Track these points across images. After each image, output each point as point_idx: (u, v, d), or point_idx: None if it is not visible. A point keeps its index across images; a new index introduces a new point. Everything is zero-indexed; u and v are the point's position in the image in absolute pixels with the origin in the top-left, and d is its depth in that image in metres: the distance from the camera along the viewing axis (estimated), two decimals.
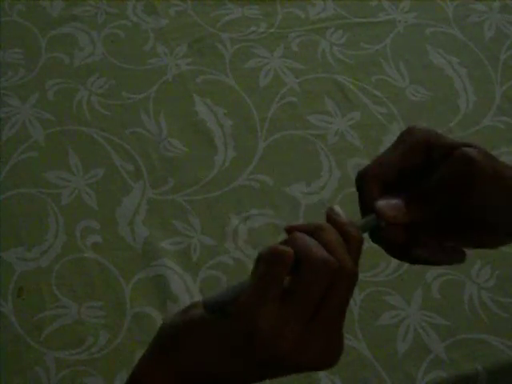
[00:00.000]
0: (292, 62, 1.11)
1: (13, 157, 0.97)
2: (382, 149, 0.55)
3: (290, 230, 0.48)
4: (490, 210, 0.52)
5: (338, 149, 1.01)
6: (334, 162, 0.99)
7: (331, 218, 0.48)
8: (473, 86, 1.10)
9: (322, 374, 0.82)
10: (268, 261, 0.45)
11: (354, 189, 0.56)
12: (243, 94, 1.06)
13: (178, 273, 0.87)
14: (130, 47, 1.11)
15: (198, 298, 0.85)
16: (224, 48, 1.12)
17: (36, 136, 0.99)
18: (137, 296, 0.86)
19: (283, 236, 0.48)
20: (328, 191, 0.96)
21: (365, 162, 0.95)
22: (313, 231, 0.47)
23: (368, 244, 0.91)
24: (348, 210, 0.98)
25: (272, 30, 1.15)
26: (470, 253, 0.93)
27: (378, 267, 0.90)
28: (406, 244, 0.53)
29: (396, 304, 0.87)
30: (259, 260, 0.46)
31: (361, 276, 0.90)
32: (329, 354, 0.47)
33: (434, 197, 0.52)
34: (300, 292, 0.45)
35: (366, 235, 0.51)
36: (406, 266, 0.91)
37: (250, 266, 0.47)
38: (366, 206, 0.54)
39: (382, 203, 0.52)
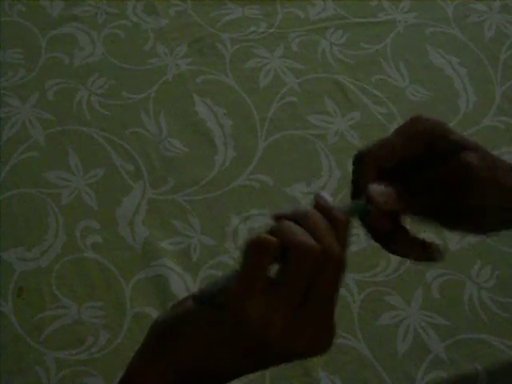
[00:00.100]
0: (292, 62, 1.11)
1: (13, 157, 0.97)
2: None
3: (276, 218, 0.48)
4: (488, 211, 0.52)
5: (338, 149, 1.01)
6: (333, 162, 0.99)
7: (318, 203, 0.48)
8: (473, 86, 1.10)
9: (321, 374, 0.82)
10: (253, 250, 0.46)
11: None
12: (243, 94, 1.06)
13: (178, 273, 0.87)
14: (130, 47, 1.11)
15: None
16: (224, 48, 1.12)
17: (36, 136, 0.99)
18: (137, 296, 0.86)
19: None
20: (328, 191, 0.96)
21: None
22: (299, 218, 0.47)
23: (368, 244, 0.92)
24: None
25: (272, 30, 1.15)
26: (470, 253, 0.93)
27: (377, 267, 0.90)
28: (391, 233, 0.53)
29: (396, 304, 0.87)
30: (245, 250, 0.46)
31: (361, 276, 0.91)
32: (320, 341, 0.47)
33: (427, 194, 0.52)
34: (287, 279, 0.45)
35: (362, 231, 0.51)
36: (406, 265, 0.91)
37: None
38: (358, 188, 0.54)
39: (374, 187, 0.52)
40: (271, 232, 0.46)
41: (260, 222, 0.93)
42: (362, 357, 0.83)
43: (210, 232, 0.91)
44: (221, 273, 0.88)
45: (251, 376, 0.81)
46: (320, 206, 0.48)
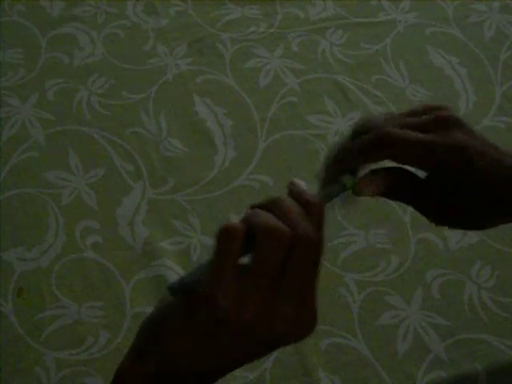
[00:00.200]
0: (292, 62, 1.11)
1: (13, 157, 0.97)
2: None
3: (250, 208, 0.48)
4: (487, 189, 0.52)
5: None
6: None
7: (291, 190, 0.48)
8: (473, 86, 1.10)
9: (321, 374, 0.82)
10: (220, 238, 0.46)
11: None
12: (243, 94, 1.06)
13: (178, 273, 0.87)
14: (130, 47, 1.11)
15: None
16: (224, 48, 1.12)
17: (36, 136, 0.99)
18: (137, 296, 0.86)
19: None
20: None
21: None
22: (270, 205, 0.47)
23: (368, 244, 0.92)
24: (349, 210, 0.99)
25: (272, 30, 1.15)
26: (470, 253, 0.93)
27: (377, 267, 0.90)
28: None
29: (396, 304, 0.87)
30: (215, 238, 0.46)
31: (361, 276, 0.91)
32: (301, 324, 0.47)
33: (427, 187, 0.53)
34: (256, 263, 0.45)
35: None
36: (406, 265, 0.91)
37: None
38: (343, 159, 0.54)
39: (362, 180, 0.53)
40: (242, 221, 0.47)
41: None
42: (362, 357, 0.83)
43: (209, 232, 0.91)
44: None
45: (251, 376, 0.81)
46: (292, 191, 0.48)
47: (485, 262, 0.92)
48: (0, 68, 1.06)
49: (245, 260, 0.46)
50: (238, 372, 0.80)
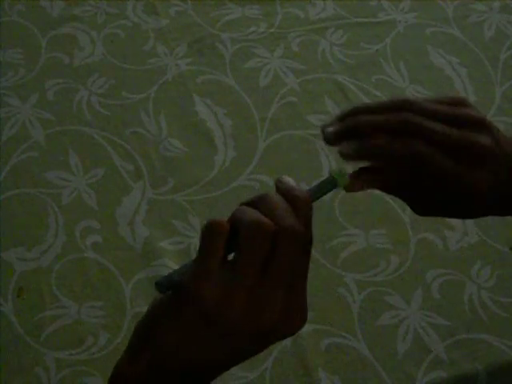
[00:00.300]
0: (292, 62, 1.11)
1: (13, 157, 0.97)
2: None
3: (239, 206, 0.48)
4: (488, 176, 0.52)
5: None
6: (333, 162, 0.99)
7: (277, 187, 0.49)
8: (473, 86, 1.10)
9: (322, 374, 0.82)
10: (205, 234, 0.46)
11: None
12: (243, 94, 1.06)
13: None
14: (130, 47, 1.11)
15: None
16: (224, 48, 1.12)
17: (36, 136, 0.99)
18: (137, 296, 0.86)
19: None
20: None
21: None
22: (256, 201, 0.47)
23: (368, 244, 0.92)
24: (349, 210, 0.99)
25: (272, 30, 1.15)
26: (470, 253, 0.93)
27: (378, 267, 0.90)
28: None
29: (396, 304, 0.87)
30: (200, 235, 0.47)
31: (361, 276, 0.91)
32: (289, 319, 0.46)
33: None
34: (239, 258, 0.45)
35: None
36: (406, 265, 0.91)
37: None
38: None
39: (352, 175, 0.54)
40: (229, 218, 0.47)
41: None
42: (362, 357, 0.83)
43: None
44: None
45: (251, 376, 0.81)
46: (280, 188, 0.48)
47: (485, 262, 0.92)
48: (0, 68, 1.06)
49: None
50: (237, 372, 0.80)
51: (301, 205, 0.47)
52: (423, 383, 0.82)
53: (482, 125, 0.53)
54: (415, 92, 1.09)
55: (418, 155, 0.51)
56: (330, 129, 0.54)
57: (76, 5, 1.15)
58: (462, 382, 0.83)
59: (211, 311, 0.45)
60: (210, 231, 0.46)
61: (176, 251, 0.90)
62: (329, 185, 0.52)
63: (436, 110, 0.53)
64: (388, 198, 0.95)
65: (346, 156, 0.53)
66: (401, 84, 1.10)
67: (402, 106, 0.53)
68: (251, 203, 0.47)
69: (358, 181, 0.54)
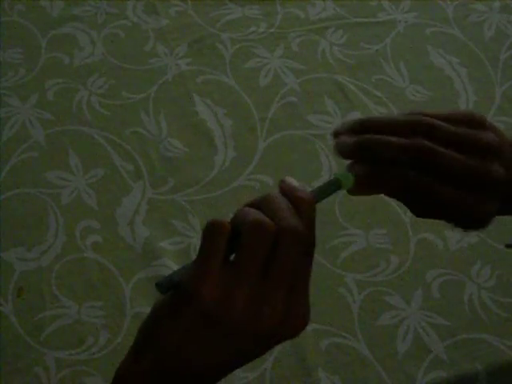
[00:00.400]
0: (292, 62, 1.11)
1: (13, 157, 0.97)
2: None
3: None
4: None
5: None
6: (333, 162, 0.99)
7: (281, 187, 0.49)
8: (473, 86, 1.10)
9: (322, 374, 0.82)
10: (205, 234, 0.46)
11: None
12: (243, 94, 1.06)
13: None
14: (130, 47, 1.11)
15: None
16: (224, 48, 1.12)
17: (36, 136, 0.99)
18: (137, 296, 0.86)
19: None
20: None
21: None
22: (259, 202, 0.47)
23: (368, 244, 0.92)
24: (349, 210, 0.99)
25: (272, 30, 1.15)
26: (470, 253, 0.93)
27: (378, 267, 0.90)
28: None
29: (396, 304, 0.87)
30: (202, 235, 0.46)
31: (361, 276, 0.91)
32: (291, 320, 0.46)
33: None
34: (240, 258, 0.45)
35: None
36: (406, 265, 0.91)
37: None
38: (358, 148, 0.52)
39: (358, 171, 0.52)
40: (231, 219, 0.47)
41: None
42: (361, 357, 0.83)
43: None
44: None
45: (251, 376, 0.81)
46: (283, 189, 0.48)
47: (485, 262, 0.92)
48: (0, 68, 1.06)
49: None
50: (237, 372, 0.80)
51: (304, 206, 0.47)
52: (423, 383, 0.82)
53: (497, 151, 0.52)
54: (415, 92, 1.09)
55: (432, 191, 0.51)
56: (344, 141, 0.52)
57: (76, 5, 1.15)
58: (462, 382, 0.83)
59: (212, 311, 0.45)
60: (211, 231, 0.46)
61: (176, 251, 0.90)
62: (333, 186, 0.52)
63: (454, 135, 0.51)
64: (388, 198, 0.95)
65: (357, 176, 0.52)
66: (401, 84, 1.10)
67: (419, 127, 0.51)
68: (254, 204, 0.47)
69: (363, 185, 0.53)
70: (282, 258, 0.45)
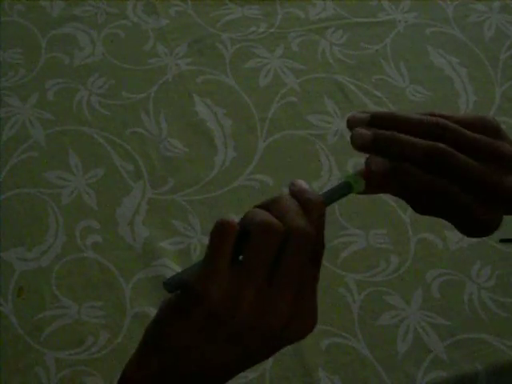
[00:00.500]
0: (292, 62, 1.11)
1: (13, 157, 0.97)
2: None
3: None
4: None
5: (338, 149, 1.01)
6: (333, 162, 0.99)
7: (291, 190, 0.49)
8: (473, 86, 1.10)
9: (322, 374, 0.82)
10: (213, 234, 0.46)
11: None
12: (243, 94, 1.06)
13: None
14: (130, 47, 1.11)
15: None
16: (224, 48, 1.12)
17: (36, 136, 0.99)
18: (137, 296, 0.86)
19: None
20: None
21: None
22: (268, 204, 0.47)
23: (368, 244, 0.92)
24: (349, 210, 0.99)
25: (272, 30, 1.15)
26: (470, 253, 0.93)
27: (378, 267, 0.90)
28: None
29: (396, 304, 0.87)
30: (210, 235, 0.46)
31: (361, 276, 0.91)
32: (297, 322, 0.46)
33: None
34: (247, 258, 0.45)
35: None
36: (406, 265, 0.91)
37: None
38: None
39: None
40: (240, 220, 0.47)
41: None
42: (361, 357, 0.83)
43: (209, 232, 0.91)
44: None
45: (251, 376, 0.81)
46: (293, 191, 0.49)
47: (485, 262, 0.92)
48: (0, 68, 1.06)
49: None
50: None
51: (313, 208, 0.47)
52: (423, 383, 0.82)
53: (511, 162, 0.51)
54: (415, 92, 1.09)
55: (443, 193, 0.50)
56: (360, 134, 0.50)
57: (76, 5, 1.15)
58: (462, 381, 0.83)
59: (218, 311, 0.45)
60: (219, 231, 0.46)
61: (176, 251, 0.90)
62: (343, 189, 0.51)
63: (472, 141, 0.50)
64: (388, 198, 0.95)
65: (371, 171, 0.51)
66: (401, 84, 1.10)
67: (435, 129, 0.50)
68: (263, 206, 0.47)
69: (373, 187, 0.52)
70: (289, 259, 0.45)
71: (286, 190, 1.00)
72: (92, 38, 1.11)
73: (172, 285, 0.47)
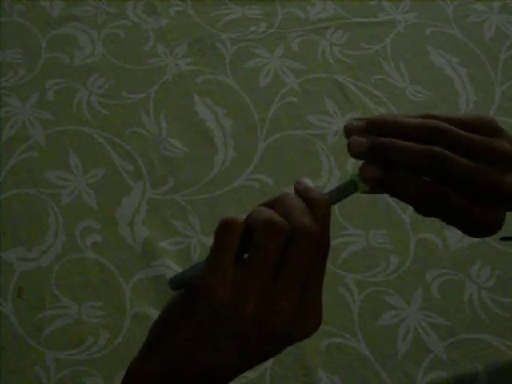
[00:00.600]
0: (292, 62, 1.11)
1: (13, 157, 0.97)
2: None
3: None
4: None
5: (338, 149, 1.01)
6: (333, 162, 0.99)
7: (296, 188, 0.49)
8: (473, 86, 1.10)
9: (321, 374, 0.82)
10: (218, 232, 0.46)
11: None
12: (243, 94, 1.06)
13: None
14: (130, 47, 1.11)
15: None
16: (224, 48, 1.12)
17: (36, 136, 0.99)
18: (137, 296, 0.86)
19: None
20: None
21: None
22: (273, 202, 0.47)
23: (368, 244, 0.92)
24: (349, 210, 0.99)
25: (272, 30, 1.15)
26: (470, 253, 0.93)
27: (378, 267, 0.90)
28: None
29: (396, 304, 0.87)
30: (215, 233, 0.47)
31: (361, 276, 0.91)
32: (302, 321, 0.46)
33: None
34: (252, 257, 0.45)
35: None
36: (406, 265, 0.91)
37: None
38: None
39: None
40: (245, 218, 0.47)
41: None
42: (361, 357, 0.83)
43: (209, 232, 0.91)
44: None
45: (251, 376, 0.81)
46: (298, 189, 0.48)
47: (485, 261, 0.92)
48: (0, 68, 1.06)
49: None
50: None
51: (318, 206, 0.47)
52: (423, 383, 0.82)
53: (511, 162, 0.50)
54: (415, 92, 1.09)
55: (443, 196, 0.50)
56: (356, 141, 0.50)
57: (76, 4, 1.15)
58: (462, 381, 0.83)
59: (222, 309, 0.45)
60: (223, 229, 0.46)
61: (176, 251, 0.90)
62: (349, 188, 0.51)
63: (470, 142, 0.50)
64: (388, 198, 0.95)
65: (366, 179, 0.50)
66: (401, 84, 1.10)
67: (433, 132, 0.50)
68: (268, 204, 0.47)
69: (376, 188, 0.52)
70: (294, 257, 0.45)
71: (286, 190, 1.00)
72: (92, 38, 1.11)
73: (177, 282, 0.47)
